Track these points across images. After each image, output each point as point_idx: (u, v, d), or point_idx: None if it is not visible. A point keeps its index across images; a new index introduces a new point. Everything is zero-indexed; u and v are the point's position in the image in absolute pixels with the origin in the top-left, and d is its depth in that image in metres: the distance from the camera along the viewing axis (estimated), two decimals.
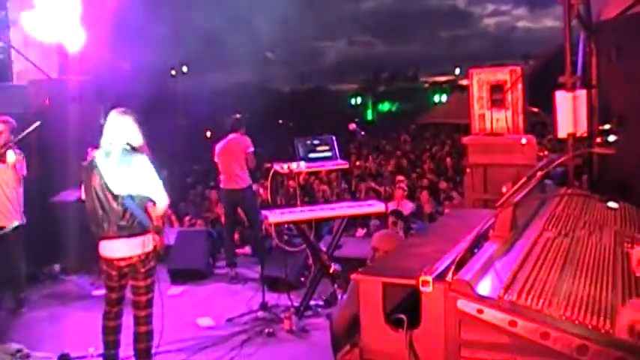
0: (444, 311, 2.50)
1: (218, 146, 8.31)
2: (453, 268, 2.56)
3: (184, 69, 40.13)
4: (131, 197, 4.77)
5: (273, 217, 6.25)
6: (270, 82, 49.73)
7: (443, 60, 59.56)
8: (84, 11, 8.68)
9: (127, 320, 5.12)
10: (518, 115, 6.74)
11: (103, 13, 9.21)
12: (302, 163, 6.65)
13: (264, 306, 6.62)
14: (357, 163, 18.05)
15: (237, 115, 8.59)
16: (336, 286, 6.41)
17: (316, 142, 6.87)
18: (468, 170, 6.90)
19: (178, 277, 7.97)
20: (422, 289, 2.51)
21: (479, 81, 6.90)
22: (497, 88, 6.81)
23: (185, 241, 8.43)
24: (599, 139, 5.84)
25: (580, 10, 6.27)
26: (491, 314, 2.37)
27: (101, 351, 5.20)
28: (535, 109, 6.78)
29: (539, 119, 7.28)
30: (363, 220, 9.23)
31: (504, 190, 3.49)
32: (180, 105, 37.57)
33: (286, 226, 6.85)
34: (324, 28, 66.47)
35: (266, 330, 6.13)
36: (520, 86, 6.73)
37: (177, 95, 38.59)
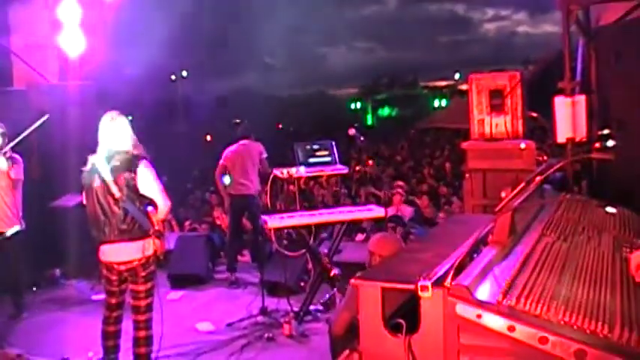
0: (442, 316, 2.50)
1: (229, 149, 8.23)
2: (451, 273, 2.57)
3: (184, 74, 40.16)
4: (132, 201, 4.78)
5: (273, 221, 6.26)
6: (270, 88, 49.81)
7: (443, 65, 59.77)
8: (84, 16, 8.71)
9: (127, 325, 5.13)
10: (517, 120, 6.74)
11: (103, 17, 9.23)
12: (301, 168, 6.66)
13: (263, 311, 6.62)
14: (357, 168, 18.02)
15: (244, 121, 8.58)
16: (335, 290, 6.41)
17: (316, 147, 6.87)
18: (467, 175, 6.90)
19: (178, 281, 7.97)
20: (421, 293, 2.51)
21: (478, 86, 6.90)
22: (496, 94, 6.81)
23: (184, 246, 8.44)
24: (597, 145, 5.84)
25: (579, 16, 6.28)
26: (489, 319, 2.38)
27: (101, 356, 5.20)
28: (534, 114, 6.79)
29: (538, 124, 7.29)
30: (362, 224, 9.22)
31: (503, 195, 3.50)
32: (180, 110, 37.64)
33: (286, 230, 6.86)
34: (325, 33, 66.65)
35: (266, 335, 6.13)
36: (519, 91, 6.74)
37: (177, 100, 38.62)
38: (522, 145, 6.51)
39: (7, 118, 6.87)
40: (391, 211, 9.26)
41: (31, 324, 6.77)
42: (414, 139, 29.99)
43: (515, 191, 3.36)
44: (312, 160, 6.80)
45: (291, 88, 55.56)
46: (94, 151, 4.95)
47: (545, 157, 6.58)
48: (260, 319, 6.57)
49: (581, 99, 5.83)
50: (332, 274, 6.41)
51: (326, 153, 6.88)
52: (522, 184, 3.55)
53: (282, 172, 6.64)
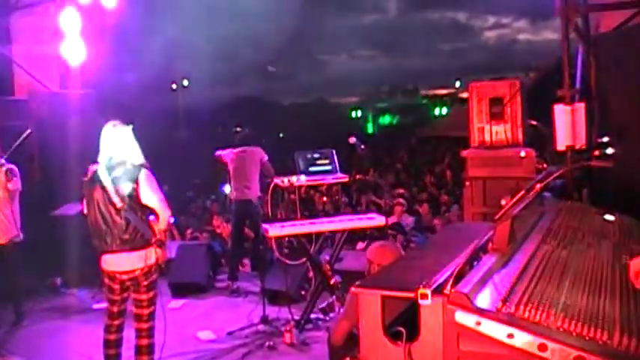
0: (442, 324, 2.50)
1: (233, 151, 8.27)
2: (451, 280, 2.57)
3: (185, 82, 40.16)
4: (134, 211, 4.79)
5: (274, 230, 6.26)
6: (271, 96, 49.81)
7: (443, 73, 59.64)
8: (85, 25, 8.74)
9: (128, 334, 5.12)
10: (517, 127, 6.76)
11: (103, 26, 9.27)
12: (302, 177, 6.66)
13: (264, 319, 6.62)
14: (358, 176, 18.01)
15: (245, 129, 8.59)
16: (334, 297, 6.40)
17: (316, 155, 6.89)
18: (467, 183, 6.92)
19: (179, 290, 7.97)
20: (420, 301, 2.51)
21: (478, 94, 6.93)
22: (496, 101, 6.84)
23: (185, 255, 8.43)
24: (597, 152, 5.85)
25: (578, 23, 6.30)
26: (489, 326, 2.38)
27: None
28: (534, 122, 6.81)
29: (538, 132, 7.30)
30: (363, 232, 9.21)
31: (503, 202, 3.50)
32: (181, 118, 37.65)
33: (287, 239, 6.86)
34: (326, 41, 66.76)
35: (267, 343, 6.12)
36: (519, 99, 6.76)
37: (178, 108, 38.63)
38: (522, 153, 6.52)
39: (8, 127, 6.88)
40: (392, 220, 9.26)
41: (32, 332, 6.76)
42: (414, 147, 29.98)
43: (515, 199, 3.36)
44: (312, 168, 6.81)
45: (292, 97, 55.67)
46: (94, 160, 4.95)
47: (544, 165, 6.60)
48: (261, 327, 6.56)
49: (581, 107, 5.85)
50: (332, 281, 6.41)
51: (326, 161, 6.89)
52: (522, 192, 3.55)
53: (282, 181, 6.65)
